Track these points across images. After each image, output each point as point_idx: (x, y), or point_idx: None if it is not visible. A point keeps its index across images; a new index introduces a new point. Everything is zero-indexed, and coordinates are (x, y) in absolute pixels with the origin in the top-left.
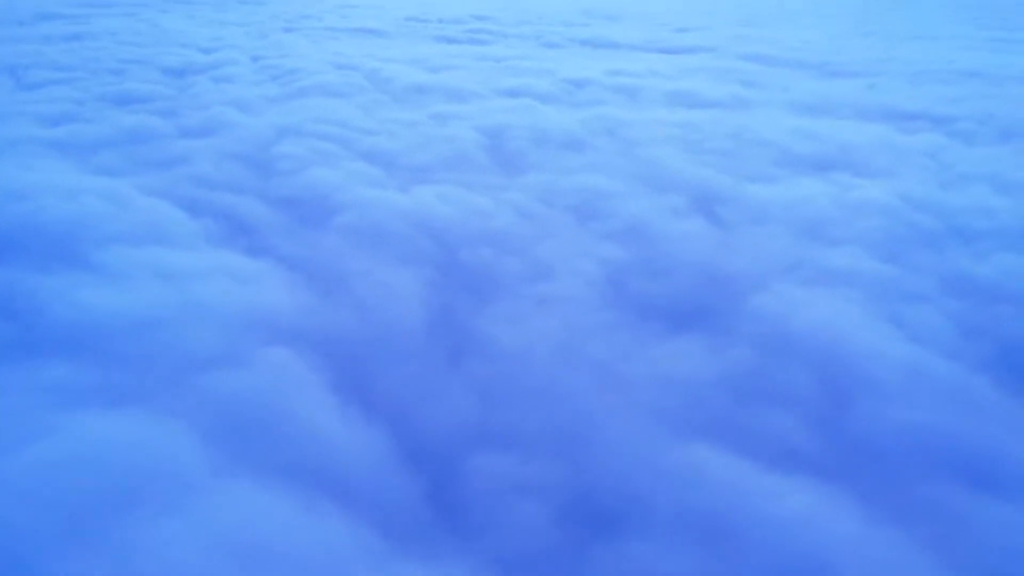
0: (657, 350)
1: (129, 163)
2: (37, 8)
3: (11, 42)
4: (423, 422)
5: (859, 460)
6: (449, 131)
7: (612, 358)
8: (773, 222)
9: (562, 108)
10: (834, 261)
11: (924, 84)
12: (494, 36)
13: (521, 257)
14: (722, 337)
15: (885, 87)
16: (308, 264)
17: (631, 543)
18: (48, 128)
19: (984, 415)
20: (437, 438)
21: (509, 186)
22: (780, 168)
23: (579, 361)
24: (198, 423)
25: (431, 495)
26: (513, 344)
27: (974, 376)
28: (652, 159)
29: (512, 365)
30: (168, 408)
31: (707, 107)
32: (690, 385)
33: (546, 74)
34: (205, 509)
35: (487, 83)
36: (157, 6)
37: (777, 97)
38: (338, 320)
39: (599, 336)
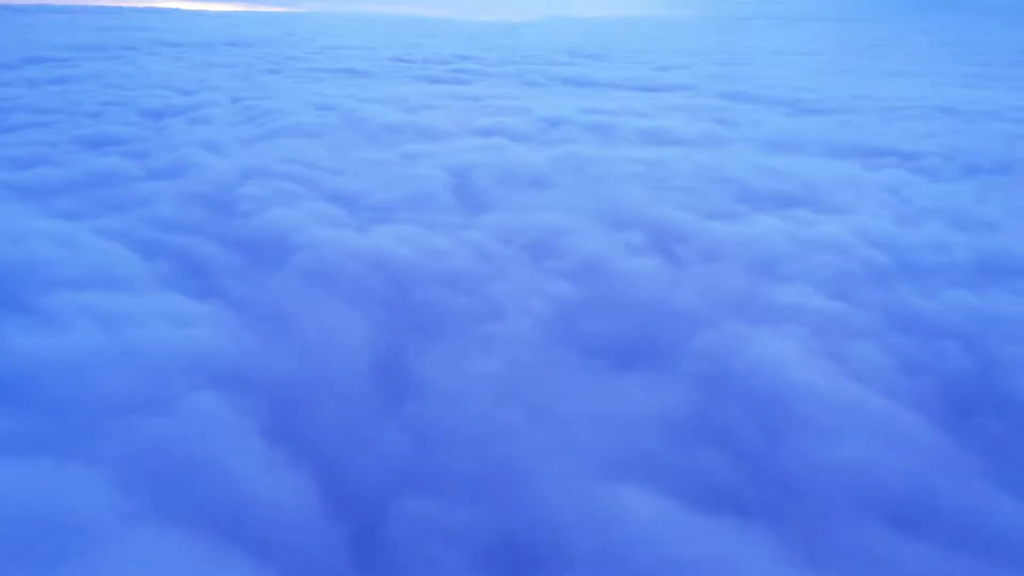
0: (597, 389)
1: (91, 205)
2: (26, 52)
3: None
4: (354, 466)
5: (784, 499)
6: (416, 170)
7: (550, 398)
8: (728, 259)
9: (533, 146)
10: (783, 298)
11: (895, 120)
12: (477, 76)
13: (473, 296)
14: (664, 375)
15: (857, 123)
16: (257, 306)
17: None
18: (16, 171)
19: (916, 454)
20: (366, 483)
21: (469, 225)
22: (741, 205)
23: (517, 401)
24: (113, 470)
25: (353, 542)
26: (453, 385)
27: (910, 413)
28: (615, 196)
29: (450, 407)
30: (84, 455)
31: (677, 144)
32: (626, 424)
33: (522, 113)
34: (101, 559)
35: (462, 122)
36: (146, 50)
37: (749, 134)
38: (279, 362)
39: (540, 376)
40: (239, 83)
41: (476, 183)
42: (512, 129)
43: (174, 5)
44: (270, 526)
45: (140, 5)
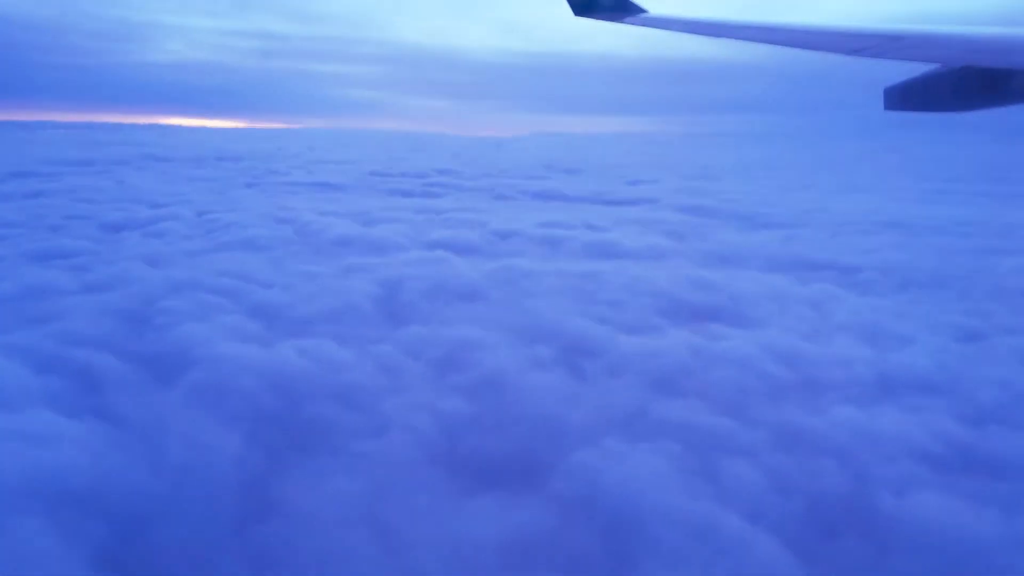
0: (456, 510)
1: (11, 320)
2: (14, 166)
3: None
4: None
5: None
6: (349, 283)
7: (403, 519)
8: (630, 373)
9: (476, 259)
10: (671, 414)
11: (843, 234)
12: (449, 189)
13: (362, 412)
14: (529, 496)
15: (804, 237)
16: (135, 423)
17: None
18: None
19: None
20: None
21: (383, 338)
22: (661, 318)
23: (368, 523)
24: None
25: None
26: (309, 505)
27: (769, 537)
28: (538, 310)
29: (300, 528)
30: None
31: (618, 258)
32: (473, 548)
33: (478, 226)
34: None
35: (415, 235)
36: (135, 164)
37: (693, 247)
38: (138, 483)
39: (403, 496)
40: (211, 196)
41: (404, 296)
42: (461, 242)
43: (175, 122)
44: None
45: (141, 121)
